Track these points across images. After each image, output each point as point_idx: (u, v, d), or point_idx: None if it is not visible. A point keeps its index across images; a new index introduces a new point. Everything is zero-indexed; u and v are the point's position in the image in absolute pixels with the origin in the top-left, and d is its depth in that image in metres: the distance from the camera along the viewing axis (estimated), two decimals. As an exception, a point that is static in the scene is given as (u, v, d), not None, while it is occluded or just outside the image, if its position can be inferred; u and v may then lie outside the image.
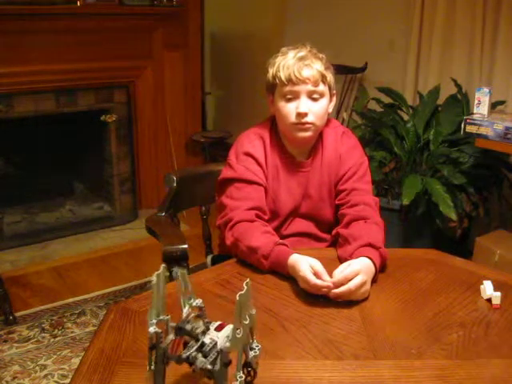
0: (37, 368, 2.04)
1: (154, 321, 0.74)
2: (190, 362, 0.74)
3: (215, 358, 0.74)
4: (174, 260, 1.40)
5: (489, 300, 1.15)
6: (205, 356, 0.74)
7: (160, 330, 0.73)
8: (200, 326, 0.76)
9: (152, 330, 0.73)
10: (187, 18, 3.41)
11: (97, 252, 3.03)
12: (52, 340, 2.22)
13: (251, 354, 0.80)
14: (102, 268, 2.86)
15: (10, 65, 2.77)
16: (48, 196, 3.43)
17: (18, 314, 2.38)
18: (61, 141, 3.22)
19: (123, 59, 3.16)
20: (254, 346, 0.81)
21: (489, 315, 1.11)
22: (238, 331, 0.71)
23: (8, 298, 2.40)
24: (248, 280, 0.74)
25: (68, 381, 1.94)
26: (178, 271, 0.83)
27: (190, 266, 1.51)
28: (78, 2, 2.87)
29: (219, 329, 0.78)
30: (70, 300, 2.53)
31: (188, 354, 0.74)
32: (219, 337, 0.76)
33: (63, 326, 2.32)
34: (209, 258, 1.69)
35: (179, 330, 0.75)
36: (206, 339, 0.76)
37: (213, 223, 1.55)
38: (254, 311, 0.77)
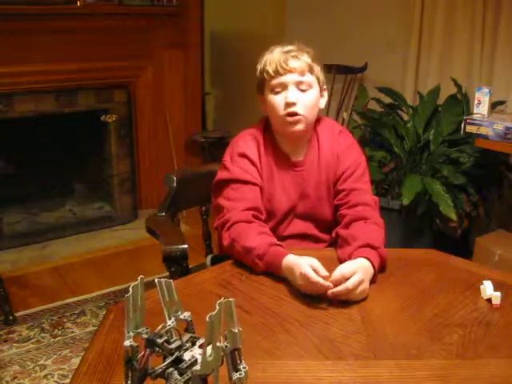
0: (37, 368, 2.04)
1: (131, 334, 0.70)
2: (166, 378, 0.70)
3: (189, 378, 0.69)
4: (174, 260, 1.40)
5: (489, 300, 1.15)
6: (180, 374, 0.69)
7: (136, 344, 0.69)
8: (176, 341, 0.71)
9: (128, 343, 0.69)
10: (187, 17, 3.41)
11: (97, 252, 3.03)
12: (52, 340, 2.22)
13: (235, 375, 0.71)
14: (102, 268, 2.86)
15: (10, 65, 2.77)
16: (48, 196, 3.43)
17: (18, 314, 2.38)
18: (61, 141, 3.22)
19: (123, 59, 3.16)
20: (240, 367, 0.72)
21: (489, 315, 1.11)
22: (210, 354, 0.66)
23: (8, 298, 2.40)
24: (221, 300, 0.68)
25: (68, 381, 1.94)
26: (157, 281, 0.76)
27: (190, 266, 1.51)
28: (78, 2, 2.87)
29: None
30: (70, 300, 2.53)
31: (162, 369, 0.69)
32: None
33: (63, 326, 2.32)
34: (208, 258, 1.69)
35: (149, 343, 0.70)
36: (187, 355, 0.71)
37: (212, 223, 1.55)
38: (237, 329, 0.70)
